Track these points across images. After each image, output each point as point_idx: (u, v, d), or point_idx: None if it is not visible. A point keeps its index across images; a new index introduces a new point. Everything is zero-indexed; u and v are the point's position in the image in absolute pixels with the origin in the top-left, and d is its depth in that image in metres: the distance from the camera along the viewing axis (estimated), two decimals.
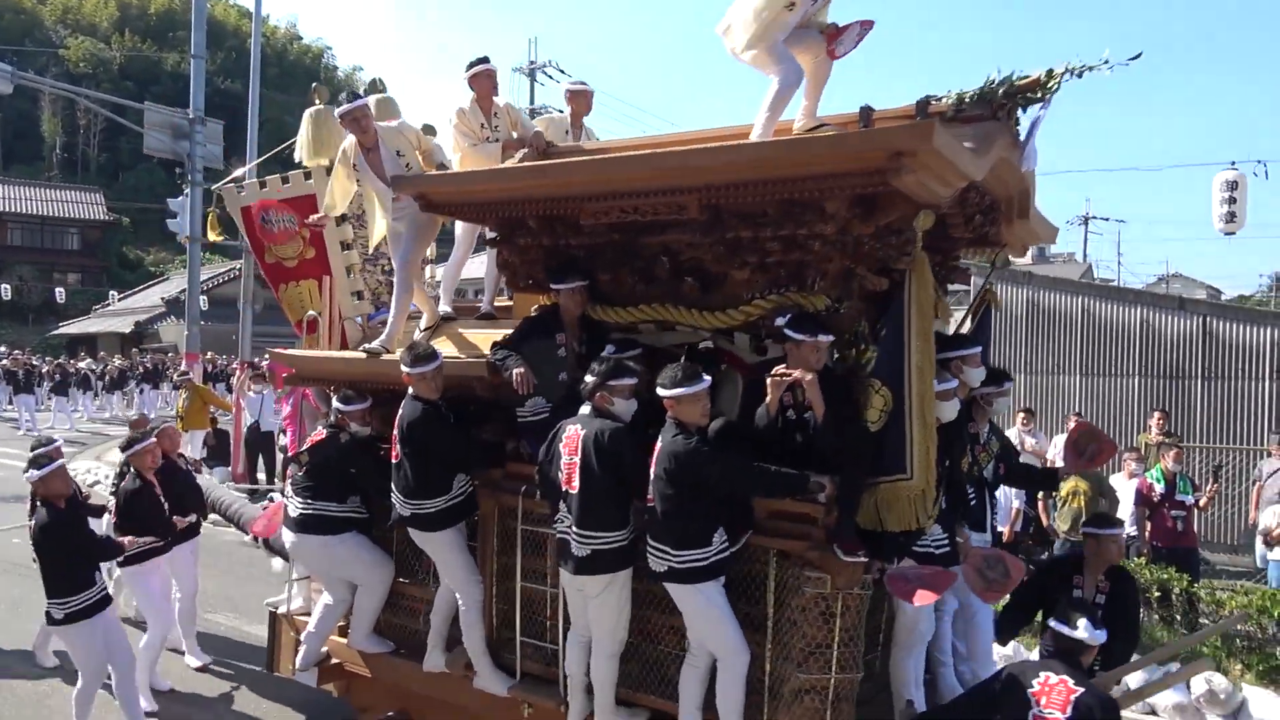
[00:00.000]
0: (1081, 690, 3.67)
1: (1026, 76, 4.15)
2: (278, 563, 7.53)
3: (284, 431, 14.13)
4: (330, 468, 5.29)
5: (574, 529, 4.19)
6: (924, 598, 3.84)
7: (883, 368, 4.09)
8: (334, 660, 5.59)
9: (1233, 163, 12.04)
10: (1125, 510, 8.44)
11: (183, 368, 15.63)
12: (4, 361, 26.53)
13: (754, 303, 4.39)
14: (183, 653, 7.25)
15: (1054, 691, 3.71)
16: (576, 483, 4.18)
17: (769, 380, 4.03)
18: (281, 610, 6.17)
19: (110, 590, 5.89)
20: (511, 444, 5.00)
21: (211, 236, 6.81)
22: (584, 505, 4.16)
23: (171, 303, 35.55)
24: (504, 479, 4.96)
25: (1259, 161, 13.98)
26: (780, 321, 4.17)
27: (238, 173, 6.48)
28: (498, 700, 4.90)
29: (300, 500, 5.32)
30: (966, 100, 4.12)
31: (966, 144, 3.85)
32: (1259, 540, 9.24)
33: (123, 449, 6.43)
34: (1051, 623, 3.95)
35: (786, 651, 4.07)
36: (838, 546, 3.85)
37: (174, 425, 7.10)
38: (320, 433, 5.45)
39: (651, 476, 4.07)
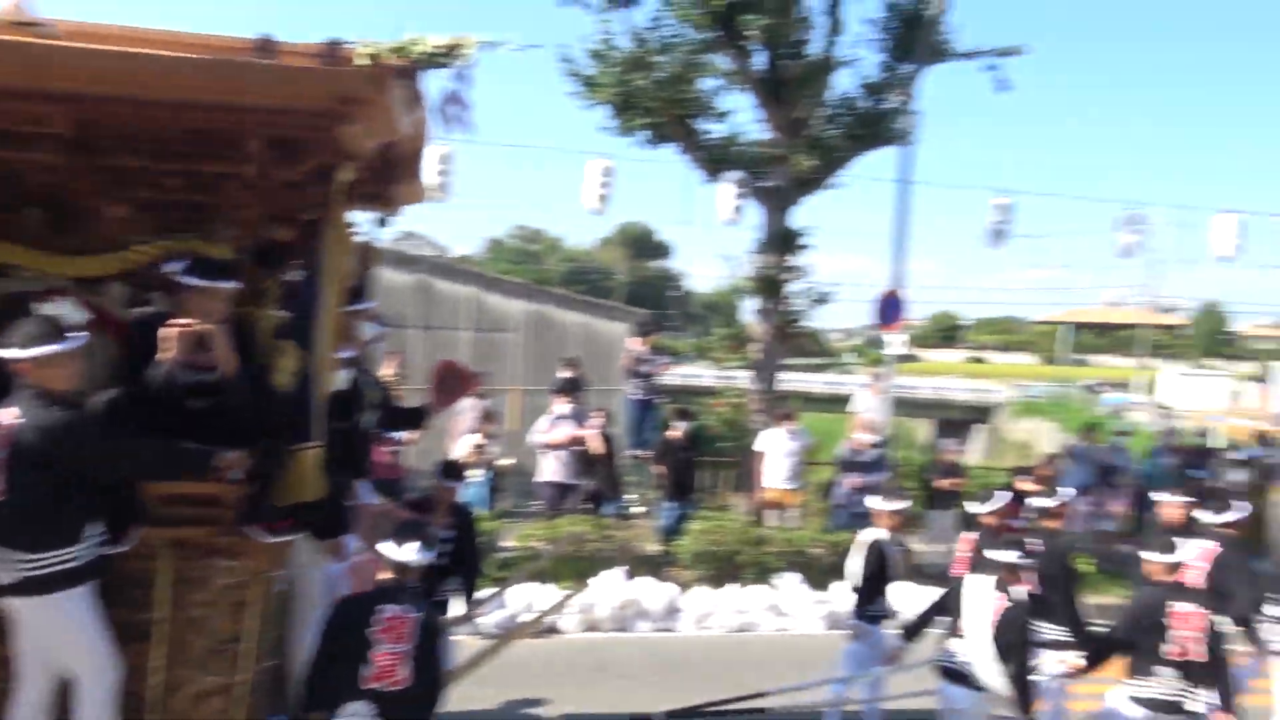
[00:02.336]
0: None
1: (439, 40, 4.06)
2: None
3: None
4: None
5: None
6: None
7: (297, 326, 3.77)
8: None
9: None
10: None
11: None
12: None
13: (136, 248, 3.65)
14: None
15: None
16: None
17: (168, 333, 3.41)
18: None
19: None
20: None
21: None
22: None
23: None
24: None
25: None
26: (174, 266, 3.59)
27: None
28: None
29: None
30: (414, 52, 3.88)
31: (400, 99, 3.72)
32: None
33: None
34: None
35: (183, 655, 3.52)
36: (258, 526, 3.46)
37: None
38: None
39: None
